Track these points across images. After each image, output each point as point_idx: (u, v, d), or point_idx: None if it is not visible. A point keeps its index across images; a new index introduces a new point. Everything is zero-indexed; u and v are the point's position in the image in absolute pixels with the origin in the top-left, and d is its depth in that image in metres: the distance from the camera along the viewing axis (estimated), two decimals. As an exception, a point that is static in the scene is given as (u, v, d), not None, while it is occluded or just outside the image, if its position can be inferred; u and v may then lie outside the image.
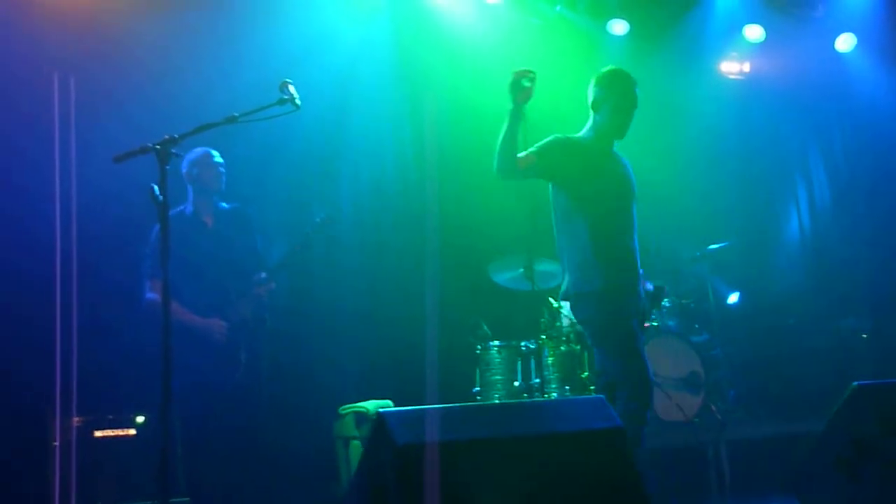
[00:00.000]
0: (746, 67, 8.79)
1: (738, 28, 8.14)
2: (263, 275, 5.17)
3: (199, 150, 5.18)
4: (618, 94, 4.66)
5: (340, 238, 6.73)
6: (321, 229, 5.40)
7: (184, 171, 5.19)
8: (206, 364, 4.88)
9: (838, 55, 8.23)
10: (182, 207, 5.20)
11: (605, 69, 4.77)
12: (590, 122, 4.76)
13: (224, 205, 5.32)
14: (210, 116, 3.76)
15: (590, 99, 4.76)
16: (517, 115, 4.50)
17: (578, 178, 4.57)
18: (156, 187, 3.44)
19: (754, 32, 8.10)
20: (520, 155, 4.52)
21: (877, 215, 7.12)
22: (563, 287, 4.70)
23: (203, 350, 4.91)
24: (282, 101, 3.85)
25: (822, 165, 8.67)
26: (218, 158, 5.23)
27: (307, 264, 6.32)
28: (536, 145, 4.60)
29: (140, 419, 5.07)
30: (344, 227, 6.86)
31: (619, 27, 7.84)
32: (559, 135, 4.69)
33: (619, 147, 4.87)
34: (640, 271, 4.69)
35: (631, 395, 4.36)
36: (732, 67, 8.79)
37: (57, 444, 4.83)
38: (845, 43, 8.15)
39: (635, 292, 4.61)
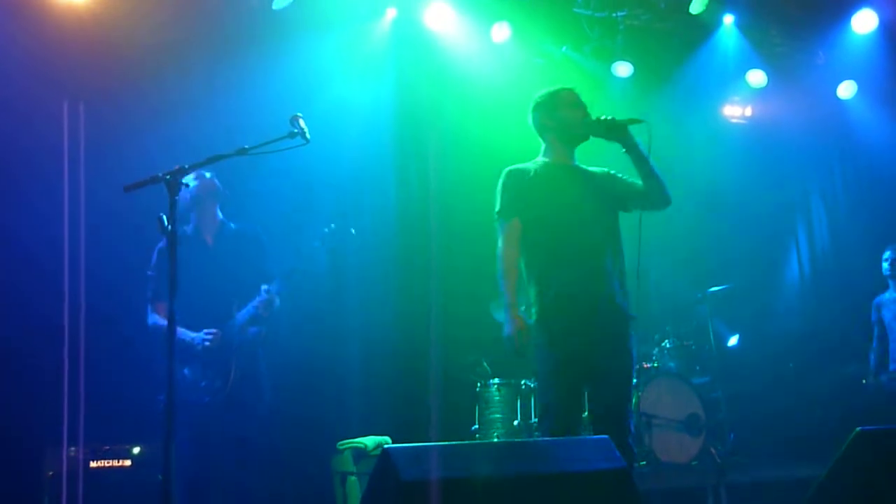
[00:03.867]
0: (749, 112, 8.87)
1: (741, 73, 8.21)
2: (265, 287, 5.11)
3: (197, 174, 5.11)
4: (555, 108, 4.27)
5: (343, 272, 6.74)
6: (330, 240, 5.35)
7: (187, 198, 5.06)
8: (192, 376, 4.85)
9: (839, 101, 8.30)
10: (184, 229, 5.15)
11: (535, 97, 4.41)
12: (542, 147, 4.36)
13: (232, 225, 5.30)
14: (220, 148, 3.78)
15: (534, 128, 4.39)
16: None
17: (530, 205, 4.18)
18: (164, 217, 3.44)
19: (757, 77, 8.18)
20: (506, 230, 4.24)
21: (877, 260, 7.13)
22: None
23: (190, 362, 4.87)
24: (292, 135, 3.85)
25: (823, 209, 8.72)
26: (209, 175, 5.19)
27: (309, 295, 6.31)
28: (498, 203, 4.28)
29: (136, 450, 5.03)
30: (345, 261, 6.87)
31: (623, 69, 7.90)
32: (508, 169, 4.31)
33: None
34: (615, 285, 4.12)
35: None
36: (735, 111, 8.87)
37: (51, 474, 4.80)
38: (846, 90, 8.22)
39: (588, 314, 4.04)
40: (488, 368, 6.59)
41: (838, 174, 8.66)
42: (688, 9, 7.22)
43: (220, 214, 5.27)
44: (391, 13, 7.14)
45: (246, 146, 3.76)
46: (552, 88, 4.39)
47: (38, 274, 5.27)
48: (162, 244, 4.97)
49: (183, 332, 4.87)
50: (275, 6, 6.52)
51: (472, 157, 7.46)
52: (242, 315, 5.03)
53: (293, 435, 6.04)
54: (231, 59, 6.28)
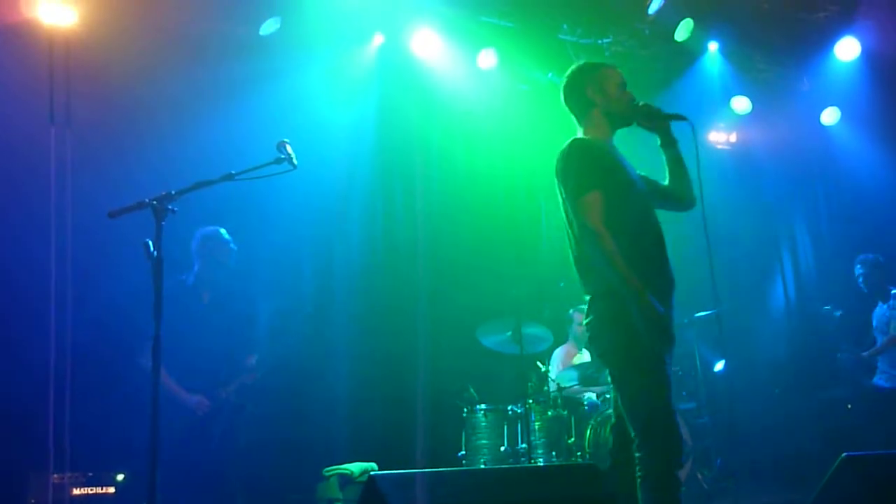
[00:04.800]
0: (733, 138, 8.95)
1: (726, 99, 8.28)
2: (254, 360, 5.30)
3: (211, 228, 5.39)
4: (605, 83, 3.76)
5: (330, 298, 6.74)
6: (310, 322, 5.51)
7: (195, 245, 5.37)
8: (182, 437, 4.94)
9: (823, 128, 8.38)
10: (184, 277, 5.32)
11: (569, 70, 3.90)
12: (581, 128, 3.80)
13: (227, 279, 5.43)
14: (208, 173, 3.78)
15: (573, 103, 3.83)
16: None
17: (609, 184, 3.55)
18: (150, 243, 3.44)
19: (741, 104, 8.26)
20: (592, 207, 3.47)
21: (861, 285, 7.19)
22: None
23: (183, 424, 5.01)
24: (279, 160, 3.86)
25: (808, 235, 8.77)
26: (228, 236, 5.43)
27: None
28: (574, 174, 3.53)
29: (120, 477, 5.00)
30: (333, 288, 6.88)
31: (609, 95, 7.94)
32: (575, 140, 3.65)
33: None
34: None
35: None
36: (720, 137, 8.94)
37: (34, 502, 4.75)
38: (830, 116, 8.31)
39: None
40: (475, 394, 6.57)
41: (822, 200, 8.73)
42: (673, 36, 7.29)
43: (221, 272, 5.39)
44: (378, 39, 7.18)
45: (233, 172, 3.77)
46: (596, 61, 3.95)
47: (24, 302, 5.26)
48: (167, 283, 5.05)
49: (178, 391, 5.07)
50: (262, 32, 6.56)
51: (458, 183, 7.50)
52: (231, 386, 5.26)
53: (279, 461, 6.02)
54: (218, 85, 6.30)
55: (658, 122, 3.80)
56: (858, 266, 7.20)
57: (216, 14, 6.38)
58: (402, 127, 7.39)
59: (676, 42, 7.30)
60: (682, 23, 7.18)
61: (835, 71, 7.98)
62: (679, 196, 3.88)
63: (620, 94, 3.77)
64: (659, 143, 3.86)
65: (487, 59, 7.41)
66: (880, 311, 7.10)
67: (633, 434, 3.35)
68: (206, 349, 5.13)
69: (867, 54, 7.73)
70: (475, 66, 7.47)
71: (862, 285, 7.14)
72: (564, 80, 3.87)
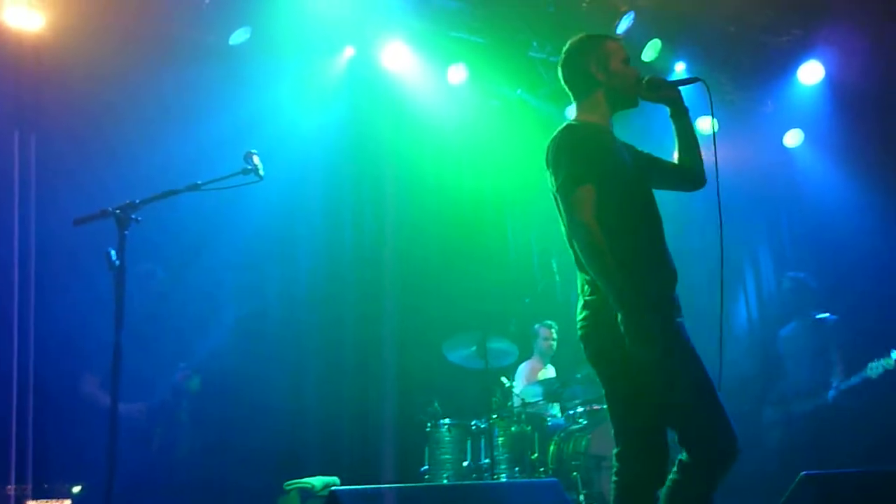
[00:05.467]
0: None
1: (692, 119, 8.36)
2: (182, 366, 5.26)
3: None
4: (608, 59, 3.44)
5: (295, 309, 6.72)
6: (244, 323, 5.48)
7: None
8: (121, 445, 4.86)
9: (786, 150, 8.49)
10: None
11: (568, 44, 3.54)
12: (577, 107, 3.50)
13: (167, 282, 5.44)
14: (175, 181, 3.76)
15: (572, 79, 3.50)
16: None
17: (604, 175, 3.28)
18: (113, 252, 3.40)
19: (705, 125, 8.34)
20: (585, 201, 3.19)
21: (822, 306, 7.28)
22: None
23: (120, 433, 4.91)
24: (245, 171, 3.86)
25: (770, 256, 8.86)
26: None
27: (260, 333, 6.30)
28: (565, 164, 3.24)
29: (76, 489, 4.92)
30: (297, 298, 6.85)
31: (577, 113, 8.01)
32: (568, 125, 3.37)
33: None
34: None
35: None
36: (684, 157, 9.00)
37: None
38: (793, 138, 8.41)
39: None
40: (439, 409, 6.57)
41: (785, 221, 8.82)
42: (640, 55, 7.36)
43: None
44: (349, 51, 7.18)
45: (199, 182, 3.75)
46: (597, 34, 3.56)
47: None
48: None
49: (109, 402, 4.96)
50: (231, 41, 6.53)
51: (426, 196, 7.52)
52: (164, 389, 5.23)
53: (239, 473, 5.96)
54: (187, 92, 6.26)
55: (667, 92, 3.48)
56: (786, 281, 7.32)
57: (186, 21, 6.35)
58: (371, 139, 7.40)
59: (644, 62, 7.37)
60: (650, 43, 7.25)
61: (798, 94, 8.09)
62: (689, 172, 3.57)
63: (625, 69, 3.45)
64: (669, 113, 3.55)
65: (457, 73, 7.43)
66: (791, 332, 7.19)
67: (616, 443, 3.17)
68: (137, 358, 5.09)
69: (830, 78, 7.85)
70: (445, 81, 7.49)
71: (785, 300, 7.26)
72: (563, 55, 3.53)
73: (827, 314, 7.11)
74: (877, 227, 7.53)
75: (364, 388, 7.03)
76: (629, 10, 6.85)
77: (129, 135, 5.94)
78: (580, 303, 3.28)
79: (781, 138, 8.45)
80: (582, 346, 3.25)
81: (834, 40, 7.54)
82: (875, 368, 6.49)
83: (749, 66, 7.92)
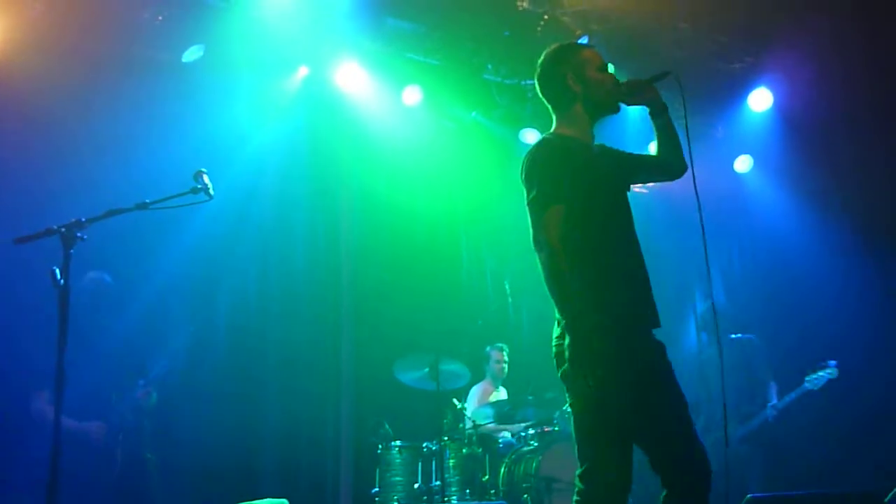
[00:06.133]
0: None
1: (644, 144, 8.45)
2: (141, 383, 5.20)
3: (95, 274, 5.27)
4: (583, 68, 3.43)
5: (248, 329, 6.65)
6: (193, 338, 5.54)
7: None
8: (83, 465, 4.76)
9: (737, 175, 8.61)
10: None
11: (543, 56, 3.55)
12: (556, 120, 3.49)
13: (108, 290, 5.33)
14: (125, 197, 3.71)
15: (550, 93, 3.50)
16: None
17: (577, 195, 3.26)
18: (57, 270, 3.34)
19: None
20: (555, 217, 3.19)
21: (773, 333, 7.39)
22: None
23: (81, 452, 4.83)
24: (195, 190, 3.82)
25: (720, 280, 8.97)
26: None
27: (212, 356, 6.23)
28: (537, 180, 3.23)
29: None
30: (251, 317, 6.79)
31: (531, 136, 8.07)
32: (545, 138, 3.39)
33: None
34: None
35: None
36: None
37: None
38: (743, 164, 8.54)
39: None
40: (390, 430, 6.53)
41: (735, 247, 8.93)
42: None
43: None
44: (303, 71, 7.15)
45: (147, 201, 3.70)
46: (570, 43, 3.57)
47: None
48: None
49: (67, 421, 4.88)
50: (184, 59, 6.48)
51: (380, 216, 7.52)
52: (124, 407, 5.15)
53: (189, 495, 5.87)
54: (139, 109, 6.19)
55: (644, 93, 3.48)
56: (700, 306, 7.44)
57: (139, 38, 6.30)
58: (326, 159, 7.39)
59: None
60: (604, 68, 7.33)
61: (748, 120, 8.23)
62: (670, 165, 3.65)
63: (602, 76, 3.43)
64: (648, 112, 3.56)
65: (412, 95, 7.45)
66: (709, 356, 7.25)
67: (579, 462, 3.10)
68: (96, 372, 5.01)
69: (779, 105, 7.99)
70: (400, 102, 7.50)
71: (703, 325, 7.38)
72: (539, 69, 3.52)
73: (739, 334, 7.20)
74: (822, 250, 7.67)
75: (320, 409, 6.98)
76: (583, 34, 6.93)
77: (79, 150, 5.85)
78: (555, 322, 3.23)
79: (732, 163, 8.57)
80: (554, 363, 3.22)
81: (782, 68, 7.70)
82: (816, 381, 6.56)
83: (700, 92, 8.04)
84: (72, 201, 4.40)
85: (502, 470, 6.41)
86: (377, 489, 6.39)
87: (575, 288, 3.08)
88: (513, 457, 6.44)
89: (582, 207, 3.22)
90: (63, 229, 3.39)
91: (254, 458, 6.61)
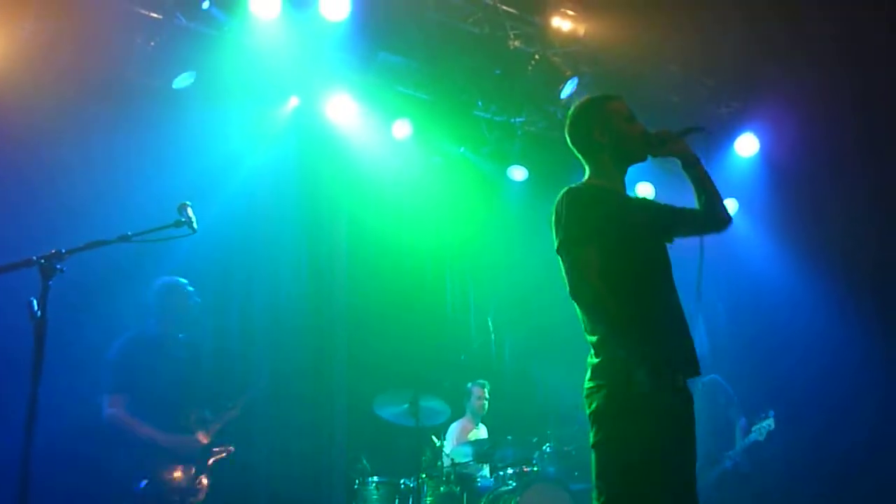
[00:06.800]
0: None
1: (631, 185, 8.48)
2: (232, 404, 5.51)
3: (171, 279, 5.50)
4: (610, 120, 3.48)
5: (233, 360, 6.58)
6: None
7: (155, 296, 5.44)
8: (173, 480, 5.05)
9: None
10: (142, 330, 5.37)
11: (572, 109, 3.63)
12: (588, 171, 3.53)
13: (181, 335, 5.49)
14: (115, 224, 3.70)
15: (579, 145, 3.55)
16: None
17: (610, 239, 3.28)
18: (35, 301, 3.30)
19: (645, 190, 8.47)
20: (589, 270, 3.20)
21: (757, 373, 7.39)
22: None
23: (167, 466, 5.07)
24: (178, 224, 3.80)
25: (703, 324, 8.97)
26: (189, 287, 5.52)
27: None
28: (564, 226, 3.24)
29: None
30: (236, 350, 6.73)
31: (518, 174, 8.12)
32: (570, 189, 3.35)
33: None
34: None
35: None
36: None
37: None
38: (729, 208, 8.55)
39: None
40: (367, 465, 6.47)
41: (723, 289, 8.95)
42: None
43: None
44: (294, 101, 7.15)
45: (129, 233, 3.67)
46: (598, 96, 3.62)
47: None
48: (130, 334, 5.30)
49: (166, 436, 5.10)
50: (175, 85, 6.46)
51: (366, 249, 7.49)
52: (215, 426, 5.36)
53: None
54: (127, 135, 6.14)
55: (673, 145, 3.49)
56: None
57: (131, 63, 6.27)
58: (314, 190, 7.35)
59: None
60: (593, 109, 7.36)
61: (734, 165, 8.28)
62: (711, 218, 3.59)
63: (630, 128, 3.47)
64: (681, 164, 3.55)
65: (402, 128, 7.46)
66: None
67: None
68: (177, 399, 5.25)
69: (765, 151, 8.05)
70: (390, 135, 7.50)
71: None
72: (568, 121, 3.58)
73: (705, 377, 7.20)
74: (805, 295, 7.69)
75: (314, 443, 6.92)
76: (573, 75, 6.96)
77: (67, 175, 5.80)
78: (588, 366, 3.24)
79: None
80: (585, 405, 3.24)
81: (769, 114, 7.77)
82: (761, 431, 6.61)
83: (689, 136, 8.09)
84: (55, 227, 4.36)
85: (480, 509, 6.36)
86: (353, 525, 6.33)
87: (622, 324, 3.08)
88: (490, 496, 6.39)
89: (613, 253, 3.21)
90: (42, 260, 3.35)
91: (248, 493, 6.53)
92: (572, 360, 8.30)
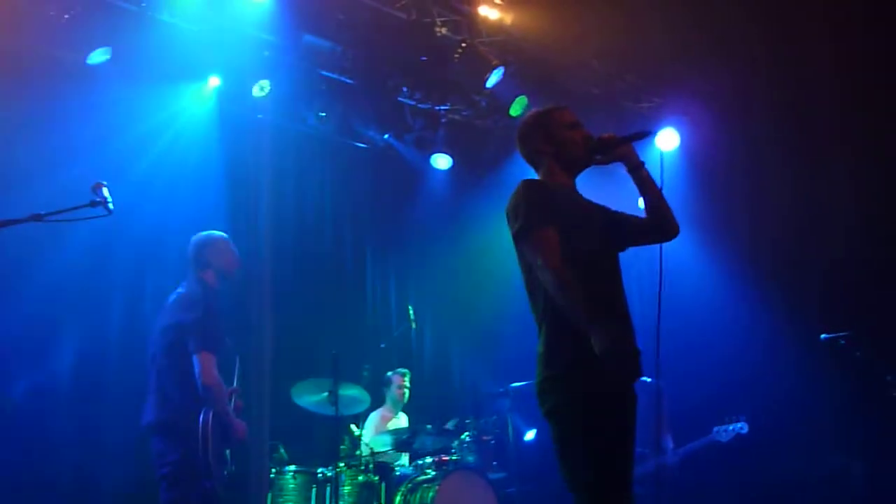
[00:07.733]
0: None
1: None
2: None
3: (219, 234, 5.10)
4: (553, 129, 3.54)
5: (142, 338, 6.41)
6: None
7: (208, 252, 4.99)
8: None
9: (641, 212, 8.74)
10: (203, 287, 4.92)
11: (519, 123, 3.73)
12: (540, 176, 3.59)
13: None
14: (22, 204, 3.53)
15: (527, 155, 3.63)
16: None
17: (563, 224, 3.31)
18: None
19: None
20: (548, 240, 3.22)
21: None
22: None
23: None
24: (93, 204, 3.65)
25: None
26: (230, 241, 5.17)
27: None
28: (521, 215, 3.27)
29: None
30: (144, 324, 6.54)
31: (442, 162, 8.10)
32: (524, 181, 3.41)
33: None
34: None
35: None
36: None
37: None
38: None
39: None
40: (285, 454, 6.38)
41: (643, 283, 9.06)
42: (507, 110, 7.48)
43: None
44: (214, 81, 6.96)
45: (42, 213, 3.51)
46: (543, 108, 3.68)
47: None
48: (198, 290, 4.86)
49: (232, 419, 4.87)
50: (90, 61, 6.23)
51: (285, 237, 7.38)
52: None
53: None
54: (39, 109, 5.92)
55: (618, 150, 3.52)
56: None
57: (42, 35, 6.02)
58: (233, 174, 7.19)
59: (510, 116, 7.49)
60: (517, 99, 7.38)
61: (655, 159, 8.36)
62: (659, 226, 3.57)
63: (571, 136, 3.52)
64: (625, 168, 3.55)
65: (325, 112, 7.34)
66: None
67: None
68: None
69: (685, 145, 8.17)
70: (313, 119, 7.38)
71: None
72: (517, 135, 3.65)
73: (650, 378, 7.26)
74: (726, 291, 7.84)
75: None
76: (499, 66, 6.95)
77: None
78: (538, 358, 3.23)
79: (637, 202, 8.71)
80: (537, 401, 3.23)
81: (686, 109, 7.90)
82: (724, 433, 6.65)
83: (610, 129, 8.16)
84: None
85: (398, 499, 6.32)
86: (269, 515, 6.23)
87: (583, 300, 3.05)
88: (409, 485, 6.36)
89: (572, 236, 3.23)
90: (-52, 238, 3.18)
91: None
92: (484, 354, 8.40)
